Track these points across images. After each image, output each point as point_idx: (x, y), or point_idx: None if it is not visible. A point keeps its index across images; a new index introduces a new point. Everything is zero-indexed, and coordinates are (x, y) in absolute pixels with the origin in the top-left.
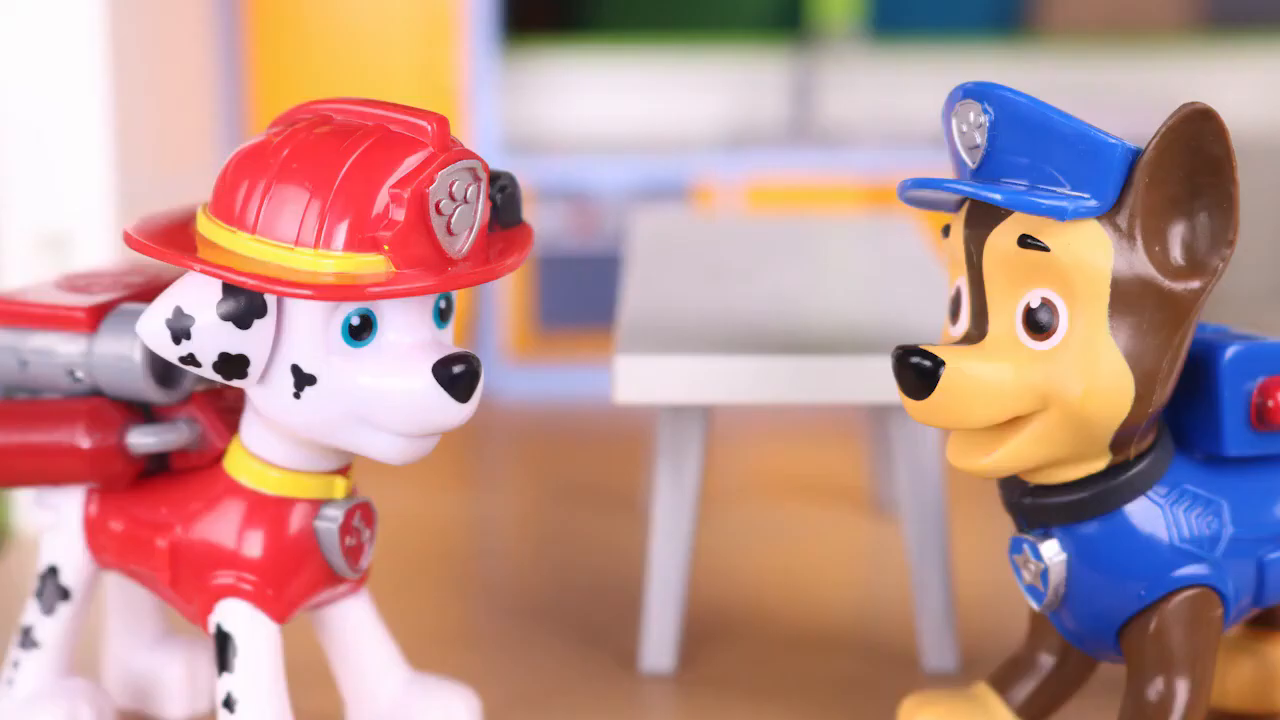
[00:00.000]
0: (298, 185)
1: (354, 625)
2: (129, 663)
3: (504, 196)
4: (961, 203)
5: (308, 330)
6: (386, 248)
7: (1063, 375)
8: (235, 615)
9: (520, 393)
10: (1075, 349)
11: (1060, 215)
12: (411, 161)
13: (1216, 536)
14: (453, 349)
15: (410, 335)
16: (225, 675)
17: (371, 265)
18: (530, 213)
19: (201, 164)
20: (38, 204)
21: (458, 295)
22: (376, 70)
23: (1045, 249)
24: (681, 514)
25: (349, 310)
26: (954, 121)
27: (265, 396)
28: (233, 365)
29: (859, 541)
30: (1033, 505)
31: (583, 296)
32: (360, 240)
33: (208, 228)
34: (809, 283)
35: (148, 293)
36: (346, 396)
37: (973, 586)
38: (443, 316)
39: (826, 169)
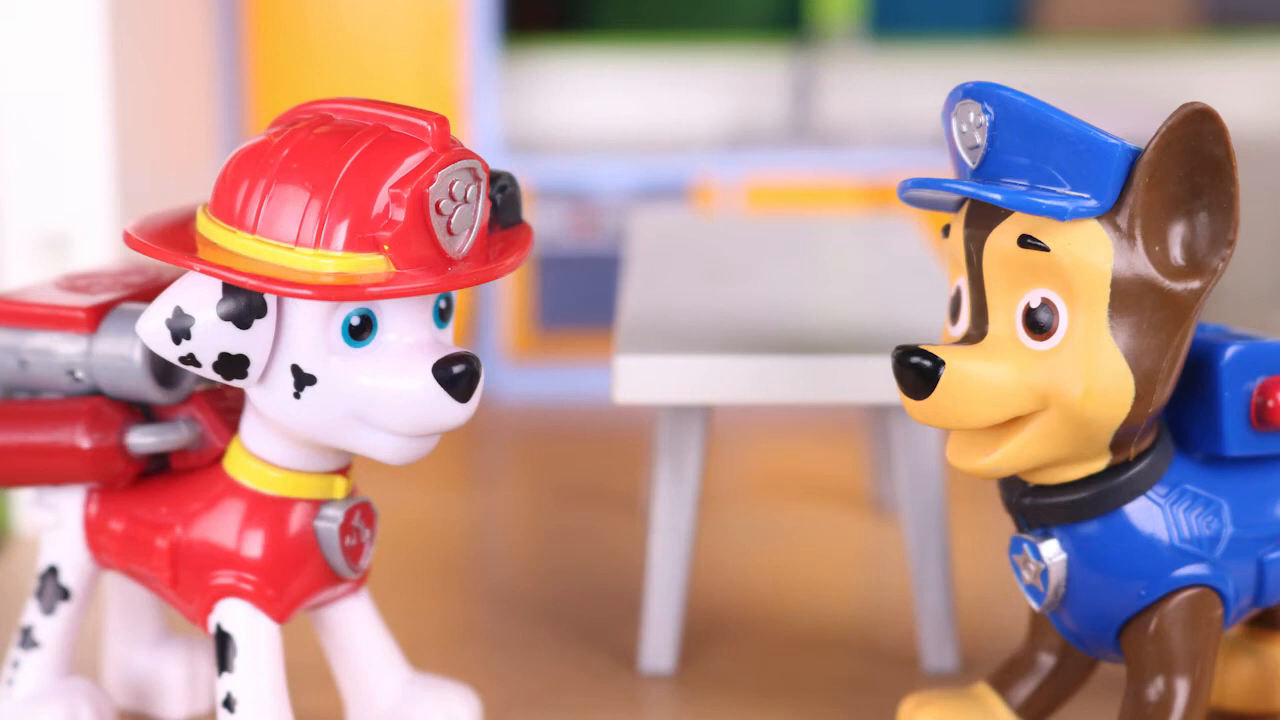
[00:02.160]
0: (298, 185)
1: (354, 625)
2: (129, 663)
3: (504, 196)
4: (961, 203)
5: (307, 330)
6: (386, 248)
7: (1063, 375)
8: (235, 615)
9: (520, 393)
10: (1075, 349)
11: (1060, 215)
12: (411, 161)
13: (1216, 536)
14: (453, 349)
15: (410, 335)
16: (225, 675)
17: (371, 265)
18: (530, 213)
19: (201, 164)
20: (38, 204)
21: (458, 295)
22: (376, 70)
23: (1045, 249)
24: (681, 514)
25: (349, 310)
26: (954, 121)
27: (265, 396)
28: (233, 365)
29: (859, 541)
30: (1033, 505)
31: (583, 296)
32: (360, 240)
33: (208, 228)
34: (809, 283)
35: (148, 293)
36: (346, 396)
37: (973, 586)
38: (443, 316)
39: (826, 169)
